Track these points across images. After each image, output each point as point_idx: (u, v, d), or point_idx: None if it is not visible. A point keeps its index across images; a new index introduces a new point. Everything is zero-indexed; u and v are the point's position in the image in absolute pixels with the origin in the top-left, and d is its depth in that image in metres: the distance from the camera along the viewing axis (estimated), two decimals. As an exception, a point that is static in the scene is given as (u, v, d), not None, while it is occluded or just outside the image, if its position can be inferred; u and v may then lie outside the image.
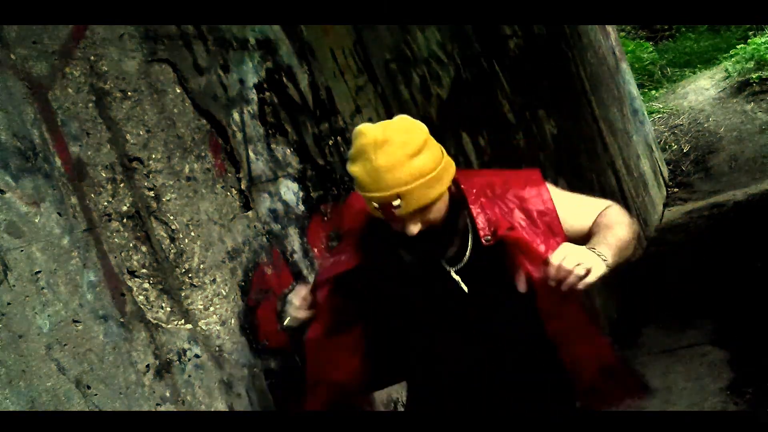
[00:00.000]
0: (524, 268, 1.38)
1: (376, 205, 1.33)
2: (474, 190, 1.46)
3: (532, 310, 1.44)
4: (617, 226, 1.44)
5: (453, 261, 1.46)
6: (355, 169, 1.33)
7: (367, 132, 1.32)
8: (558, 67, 5.42)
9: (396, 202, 1.30)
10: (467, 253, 1.46)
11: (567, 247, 1.33)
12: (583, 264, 1.29)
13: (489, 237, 1.42)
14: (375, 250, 1.49)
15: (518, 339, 1.49)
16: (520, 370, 1.50)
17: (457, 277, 1.44)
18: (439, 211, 1.38)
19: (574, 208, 1.51)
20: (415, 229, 1.34)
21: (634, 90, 8.83)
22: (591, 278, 1.29)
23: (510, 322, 1.48)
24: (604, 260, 1.33)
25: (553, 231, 1.43)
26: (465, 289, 1.43)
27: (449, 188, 1.41)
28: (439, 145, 1.41)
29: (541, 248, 1.39)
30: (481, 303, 1.46)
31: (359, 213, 1.53)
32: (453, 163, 1.42)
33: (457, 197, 1.46)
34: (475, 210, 1.44)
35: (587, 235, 1.47)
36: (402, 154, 1.29)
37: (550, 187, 1.51)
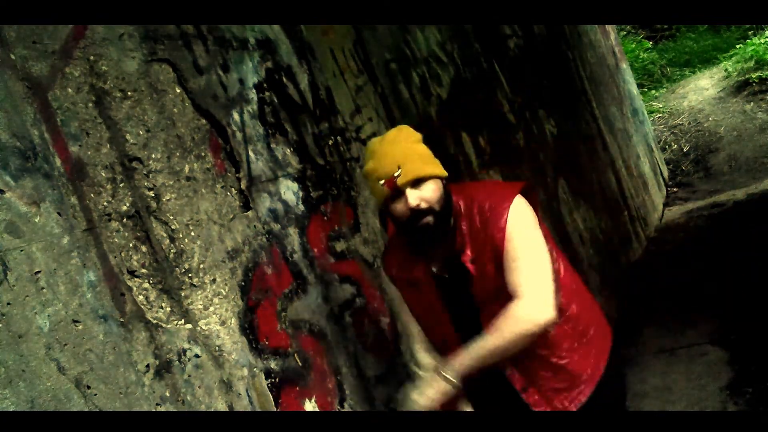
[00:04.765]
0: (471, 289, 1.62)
1: (381, 182, 1.55)
2: (461, 203, 1.64)
3: None
4: (493, 334, 1.53)
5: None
6: (367, 166, 1.60)
7: (376, 138, 1.66)
8: (558, 67, 5.42)
9: (396, 173, 1.53)
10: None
11: (415, 397, 1.62)
12: (425, 399, 1.59)
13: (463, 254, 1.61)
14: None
15: None
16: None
17: (470, 265, 1.60)
18: (434, 192, 1.56)
19: (511, 261, 1.56)
20: (414, 199, 1.53)
21: (634, 90, 8.84)
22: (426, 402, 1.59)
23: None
24: (449, 380, 1.56)
25: (496, 257, 1.57)
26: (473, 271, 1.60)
27: (443, 188, 1.60)
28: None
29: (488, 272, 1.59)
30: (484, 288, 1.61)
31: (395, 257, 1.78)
32: (445, 173, 1.64)
33: (450, 205, 1.63)
34: (461, 224, 1.63)
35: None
36: (403, 140, 1.59)
37: (517, 214, 1.58)
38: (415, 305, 1.74)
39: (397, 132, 1.61)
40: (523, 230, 1.56)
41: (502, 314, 1.52)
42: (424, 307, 1.72)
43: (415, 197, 1.54)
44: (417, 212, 1.55)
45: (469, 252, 1.60)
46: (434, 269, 1.68)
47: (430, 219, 1.56)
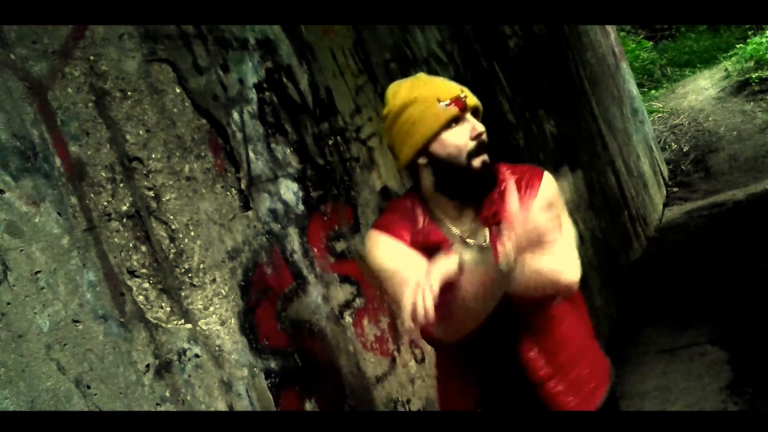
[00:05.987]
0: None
1: (445, 103, 1.38)
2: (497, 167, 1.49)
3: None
4: (546, 257, 1.33)
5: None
6: (416, 93, 1.41)
7: (399, 81, 1.50)
8: (558, 67, 5.42)
9: (462, 94, 1.41)
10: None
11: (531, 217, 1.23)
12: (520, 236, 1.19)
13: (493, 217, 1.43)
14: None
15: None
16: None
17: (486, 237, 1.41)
18: (485, 131, 1.42)
19: (547, 220, 1.35)
20: (481, 126, 1.40)
21: (634, 89, 8.84)
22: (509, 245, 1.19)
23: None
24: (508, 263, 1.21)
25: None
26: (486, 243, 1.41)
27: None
28: None
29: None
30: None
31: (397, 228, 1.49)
32: None
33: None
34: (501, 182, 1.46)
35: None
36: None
37: (550, 183, 1.49)
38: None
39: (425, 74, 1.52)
40: (554, 198, 1.45)
41: (553, 251, 1.33)
42: None
43: (477, 124, 1.40)
44: (481, 144, 1.39)
45: (486, 211, 1.43)
46: (458, 233, 1.46)
47: (486, 157, 1.40)
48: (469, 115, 1.41)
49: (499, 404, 1.51)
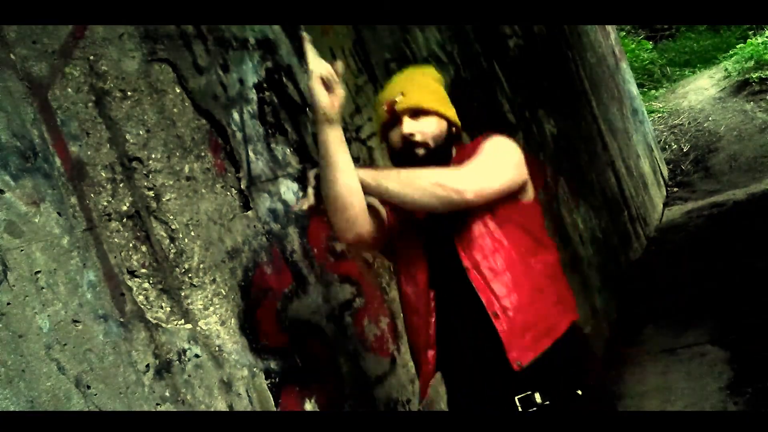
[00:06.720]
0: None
1: (383, 105, 1.56)
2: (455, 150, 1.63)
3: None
4: (412, 171, 1.46)
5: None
6: (380, 96, 1.60)
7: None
8: (558, 67, 5.42)
9: (398, 98, 1.53)
10: None
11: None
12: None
13: None
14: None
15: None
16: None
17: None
18: (432, 127, 1.55)
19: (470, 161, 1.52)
20: (408, 127, 1.52)
21: (634, 89, 8.84)
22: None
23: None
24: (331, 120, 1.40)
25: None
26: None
27: (447, 131, 1.58)
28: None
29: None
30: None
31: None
32: (459, 124, 1.63)
33: (448, 149, 1.61)
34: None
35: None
36: (419, 74, 1.65)
37: (496, 138, 1.58)
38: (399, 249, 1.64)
39: (418, 67, 1.65)
40: (494, 144, 1.55)
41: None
42: (406, 252, 1.62)
43: (409, 126, 1.53)
44: (409, 142, 1.53)
45: None
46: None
47: (421, 151, 1.53)
48: (405, 118, 1.54)
49: (454, 333, 1.55)
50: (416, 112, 1.54)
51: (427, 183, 1.43)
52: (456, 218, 1.53)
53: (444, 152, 1.57)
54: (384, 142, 1.64)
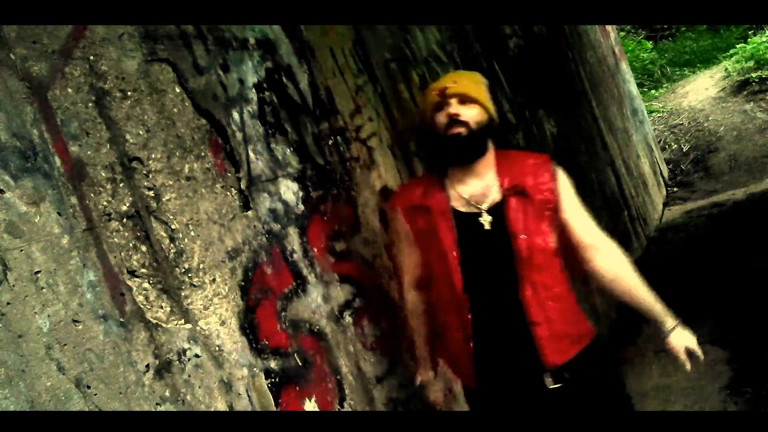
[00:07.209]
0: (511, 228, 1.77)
1: (434, 91, 1.83)
2: (500, 154, 1.89)
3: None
4: (639, 281, 1.88)
5: (481, 200, 1.83)
6: (432, 85, 1.88)
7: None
8: (558, 67, 5.42)
9: (450, 84, 1.81)
10: (493, 195, 1.81)
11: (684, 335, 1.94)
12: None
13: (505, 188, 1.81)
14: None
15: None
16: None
17: (487, 217, 1.77)
18: (476, 114, 1.79)
19: (577, 211, 1.84)
20: (454, 108, 1.78)
21: (634, 89, 8.84)
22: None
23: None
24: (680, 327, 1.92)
25: (545, 214, 1.79)
26: (487, 225, 1.77)
27: (487, 123, 1.83)
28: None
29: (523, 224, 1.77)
30: (499, 242, 1.77)
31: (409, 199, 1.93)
32: (498, 121, 1.92)
33: (485, 135, 1.85)
34: (498, 165, 1.85)
35: (572, 244, 1.82)
36: (469, 73, 1.96)
37: (564, 175, 1.89)
38: (425, 240, 1.86)
39: (468, 71, 1.96)
40: (572, 188, 1.84)
41: (611, 259, 1.81)
42: (433, 242, 1.82)
43: (456, 108, 1.78)
44: (453, 120, 1.77)
45: (506, 183, 1.79)
46: (455, 206, 1.82)
47: (463, 130, 1.77)
48: (453, 101, 1.80)
49: (491, 338, 1.78)
50: (463, 99, 1.80)
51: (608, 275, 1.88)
52: (520, 237, 1.76)
53: (482, 140, 1.82)
54: (428, 124, 1.88)
